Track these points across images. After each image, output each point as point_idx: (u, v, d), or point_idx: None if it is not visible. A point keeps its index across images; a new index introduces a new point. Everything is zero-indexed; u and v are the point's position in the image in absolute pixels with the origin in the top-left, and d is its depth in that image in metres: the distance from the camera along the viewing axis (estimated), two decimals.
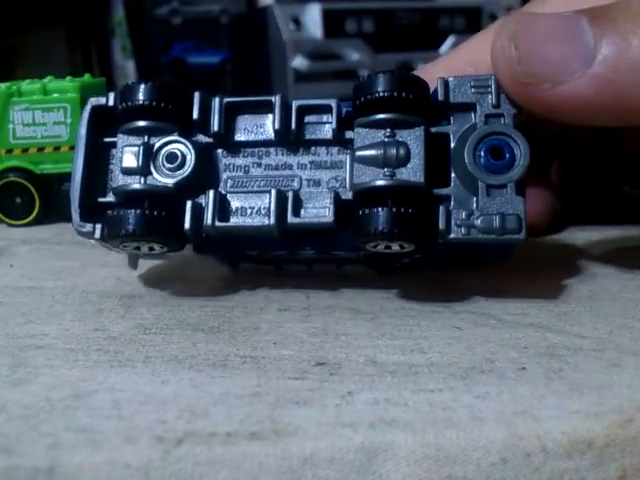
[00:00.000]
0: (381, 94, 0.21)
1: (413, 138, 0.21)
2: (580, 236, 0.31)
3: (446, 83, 0.22)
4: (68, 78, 0.38)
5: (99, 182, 0.24)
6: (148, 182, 0.22)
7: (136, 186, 0.22)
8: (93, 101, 0.24)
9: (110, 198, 0.23)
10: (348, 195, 0.22)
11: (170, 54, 1.54)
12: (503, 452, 0.15)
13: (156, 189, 0.22)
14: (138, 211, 0.22)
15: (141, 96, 0.22)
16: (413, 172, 0.21)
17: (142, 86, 0.22)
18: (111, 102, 0.23)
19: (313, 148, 0.23)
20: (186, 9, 1.51)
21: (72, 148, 0.28)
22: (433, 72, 0.28)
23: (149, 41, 1.52)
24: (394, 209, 0.21)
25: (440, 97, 0.22)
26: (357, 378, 0.18)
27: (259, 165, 0.23)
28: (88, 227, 0.23)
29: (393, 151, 0.21)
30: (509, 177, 0.21)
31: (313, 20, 1.06)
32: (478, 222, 0.21)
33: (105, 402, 0.17)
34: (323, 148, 0.23)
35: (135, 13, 1.48)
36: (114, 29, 1.47)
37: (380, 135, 0.22)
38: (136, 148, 0.22)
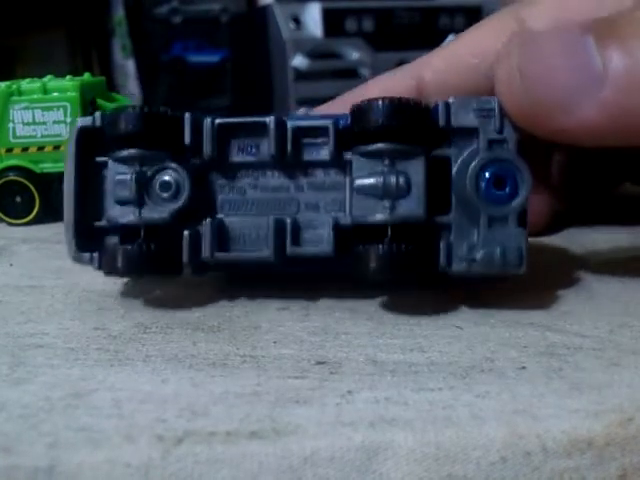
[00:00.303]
0: (380, 124, 0.21)
1: (413, 168, 0.21)
2: (580, 236, 0.31)
3: (447, 106, 0.21)
4: (68, 77, 0.38)
5: (93, 204, 0.23)
6: (143, 214, 0.22)
7: (131, 219, 0.22)
8: (80, 122, 0.23)
9: (105, 222, 0.23)
10: (347, 220, 0.22)
11: (170, 53, 1.54)
12: (503, 451, 0.15)
13: (151, 221, 0.22)
14: (135, 247, 0.22)
15: (129, 125, 0.22)
16: (413, 204, 0.21)
17: (130, 114, 0.22)
18: (98, 122, 0.23)
19: (310, 169, 0.22)
20: (186, 8, 1.51)
21: None
22: (434, 63, 0.27)
23: (149, 40, 1.52)
24: (394, 246, 0.21)
25: (441, 122, 0.21)
26: (357, 377, 0.18)
27: (256, 187, 0.23)
28: (85, 257, 0.23)
29: (393, 181, 0.21)
30: (511, 208, 0.21)
31: (313, 19, 1.06)
32: (479, 256, 0.21)
33: (105, 401, 0.17)
34: (320, 169, 0.22)
35: (135, 12, 1.48)
36: (114, 28, 1.47)
37: (379, 164, 0.21)
38: (128, 176, 0.22)
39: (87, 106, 0.38)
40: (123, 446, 0.15)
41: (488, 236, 0.21)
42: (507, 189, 0.21)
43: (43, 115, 0.37)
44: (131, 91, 1.45)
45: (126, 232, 0.22)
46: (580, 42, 0.19)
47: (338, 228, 0.22)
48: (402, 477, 0.15)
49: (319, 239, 0.22)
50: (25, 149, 0.38)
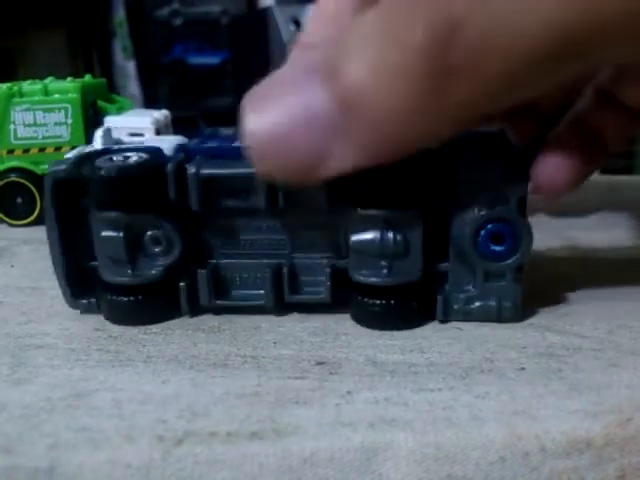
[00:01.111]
0: (375, 192, 0.20)
1: (411, 230, 0.20)
2: (578, 235, 0.31)
3: (451, 162, 0.20)
4: (69, 79, 0.38)
5: (83, 245, 0.22)
6: (136, 273, 0.21)
7: (125, 280, 0.21)
8: (53, 170, 0.21)
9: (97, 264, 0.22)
10: (344, 264, 0.21)
11: (171, 55, 1.54)
12: (502, 451, 0.15)
13: (146, 279, 0.22)
14: (131, 303, 0.22)
15: (109, 192, 0.20)
16: (411, 265, 0.21)
17: (107, 180, 0.20)
18: (74, 173, 0.21)
19: (305, 212, 0.21)
20: (186, 10, 1.52)
21: (73, 148, 0.28)
22: None
23: (150, 42, 1.52)
24: (392, 302, 0.21)
25: (444, 180, 0.20)
26: (357, 378, 0.18)
27: (248, 228, 0.22)
28: (83, 304, 0.22)
29: (390, 242, 0.20)
30: (508, 265, 0.21)
31: None
32: (475, 308, 0.21)
33: (106, 402, 0.17)
34: (315, 211, 0.21)
35: (136, 14, 1.48)
36: (115, 30, 1.47)
37: (377, 222, 0.20)
38: (115, 234, 0.21)
39: (88, 107, 0.38)
40: (124, 446, 0.15)
41: (484, 289, 0.21)
42: (505, 245, 0.20)
43: (44, 117, 0.37)
44: (132, 92, 1.45)
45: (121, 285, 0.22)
46: (307, 88, 0.16)
47: (335, 272, 0.21)
48: (402, 477, 0.15)
49: (316, 284, 0.22)
50: (26, 150, 0.38)
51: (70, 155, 0.22)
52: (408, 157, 0.19)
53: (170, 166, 0.21)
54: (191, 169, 0.21)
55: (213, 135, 0.25)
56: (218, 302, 0.22)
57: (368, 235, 0.20)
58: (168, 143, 0.23)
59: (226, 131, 0.26)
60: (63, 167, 0.21)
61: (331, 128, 0.16)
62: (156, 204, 0.21)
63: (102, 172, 0.20)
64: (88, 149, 0.24)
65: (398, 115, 0.15)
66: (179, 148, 0.22)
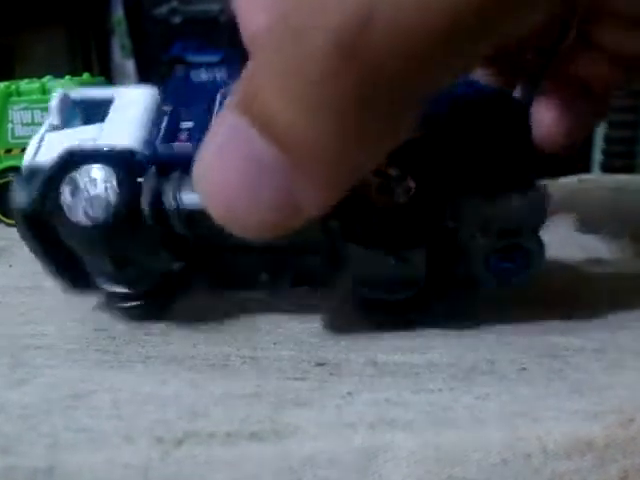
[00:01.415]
0: (374, 236, 0.19)
1: (413, 254, 0.20)
2: (578, 236, 0.31)
3: (457, 205, 0.19)
4: (67, 77, 0.38)
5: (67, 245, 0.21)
6: (130, 284, 0.21)
7: (120, 290, 0.21)
8: (19, 212, 0.20)
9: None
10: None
11: (170, 53, 1.54)
12: (503, 453, 0.15)
13: (142, 286, 0.21)
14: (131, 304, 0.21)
15: (82, 243, 0.20)
16: (412, 282, 0.20)
17: (79, 232, 0.19)
18: (39, 206, 0.20)
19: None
20: (186, 8, 1.51)
21: None
22: None
23: (149, 40, 1.52)
24: (392, 311, 0.21)
25: (450, 224, 0.19)
26: (357, 378, 0.18)
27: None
28: (83, 291, 0.22)
29: (391, 265, 0.20)
30: (516, 282, 0.20)
31: None
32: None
33: (104, 402, 0.17)
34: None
35: (135, 12, 1.48)
36: (113, 28, 1.47)
37: (379, 254, 0.20)
38: (101, 258, 0.20)
39: None
40: (122, 447, 0.15)
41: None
42: (516, 263, 0.20)
43: (42, 116, 0.37)
44: None
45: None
46: (244, 135, 0.14)
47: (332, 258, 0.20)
48: (402, 479, 0.15)
49: (312, 278, 0.21)
50: (24, 150, 0.37)
51: (32, 150, 0.22)
52: (408, 203, 0.18)
53: (146, 203, 0.19)
54: (170, 203, 0.19)
55: (183, 84, 0.24)
56: (215, 298, 0.22)
57: (366, 259, 0.20)
58: (136, 120, 0.21)
59: (201, 75, 0.25)
60: (28, 201, 0.20)
61: (282, 170, 0.14)
62: (136, 237, 0.20)
63: (70, 222, 0.19)
64: (48, 133, 0.23)
65: (327, 137, 0.14)
66: (152, 156, 0.20)
